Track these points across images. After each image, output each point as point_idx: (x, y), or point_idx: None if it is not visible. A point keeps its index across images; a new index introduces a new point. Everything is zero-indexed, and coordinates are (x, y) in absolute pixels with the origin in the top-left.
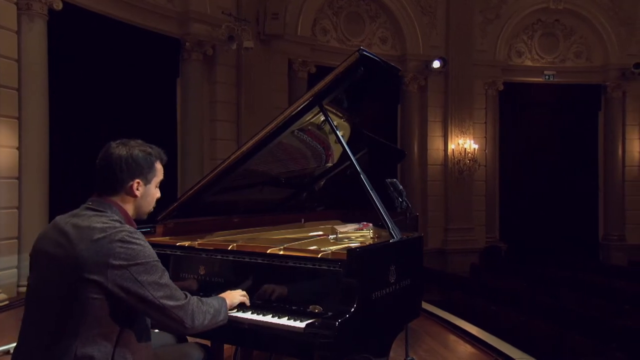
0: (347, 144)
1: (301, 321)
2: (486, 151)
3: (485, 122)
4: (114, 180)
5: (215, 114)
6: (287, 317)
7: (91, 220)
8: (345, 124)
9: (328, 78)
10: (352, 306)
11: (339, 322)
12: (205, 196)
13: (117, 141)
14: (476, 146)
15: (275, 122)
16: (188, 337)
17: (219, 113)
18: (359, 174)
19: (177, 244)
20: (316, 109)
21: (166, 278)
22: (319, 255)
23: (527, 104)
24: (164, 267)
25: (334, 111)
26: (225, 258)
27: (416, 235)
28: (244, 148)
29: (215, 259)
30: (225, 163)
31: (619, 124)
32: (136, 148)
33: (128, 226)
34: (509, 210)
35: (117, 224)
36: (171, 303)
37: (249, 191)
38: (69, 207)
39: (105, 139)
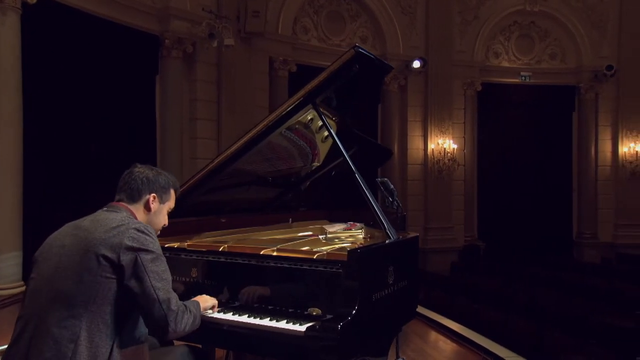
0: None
1: (300, 324)
2: (465, 151)
3: (464, 122)
4: (134, 190)
5: (195, 112)
6: (285, 321)
7: (108, 216)
8: (333, 123)
9: (322, 75)
10: (354, 308)
11: (341, 326)
12: (195, 195)
13: (143, 165)
14: (455, 146)
15: (268, 120)
16: (179, 339)
17: (199, 111)
18: (353, 173)
19: (166, 245)
20: (308, 107)
21: (168, 275)
22: (315, 257)
23: (505, 104)
24: (168, 267)
25: (323, 110)
26: (217, 260)
27: (412, 236)
28: (236, 146)
29: (207, 260)
30: (216, 161)
31: (592, 124)
32: (158, 171)
33: (143, 222)
34: (486, 209)
35: (134, 220)
36: (164, 298)
37: (235, 191)
38: (45, 207)
39: (83, 136)
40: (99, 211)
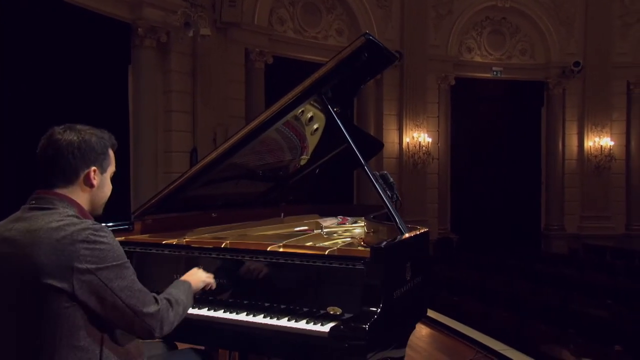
0: (329, 136)
1: (322, 325)
2: (439, 144)
3: (438, 116)
4: (66, 170)
5: (169, 104)
6: (305, 321)
7: (42, 221)
8: (322, 115)
9: (330, 63)
10: (378, 307)
11: (368, 325)
12: (189, 190)
13: (62, 126)
14: (430, 139)
15: (271, 110)
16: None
17: (174, 103)
18: (362, 165)
19: (164, 242)
20: (313, 97)
21: (137, 282)
22: (326, 252)
23: (477, 98)
24: (133, 268)
25: (312, 102)
26: (222, 257)
27: (423, 230)
28: (235, 138)
29: (211, 258)
30: (214, 154)
31: (560, 119)
32: (87, 132)
33: (90, 221)
34: (459, 202)
35: (76, 220)
36: (143, 310)
37: (225, 185)
38: (10, 203)
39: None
40: (25, 210)
